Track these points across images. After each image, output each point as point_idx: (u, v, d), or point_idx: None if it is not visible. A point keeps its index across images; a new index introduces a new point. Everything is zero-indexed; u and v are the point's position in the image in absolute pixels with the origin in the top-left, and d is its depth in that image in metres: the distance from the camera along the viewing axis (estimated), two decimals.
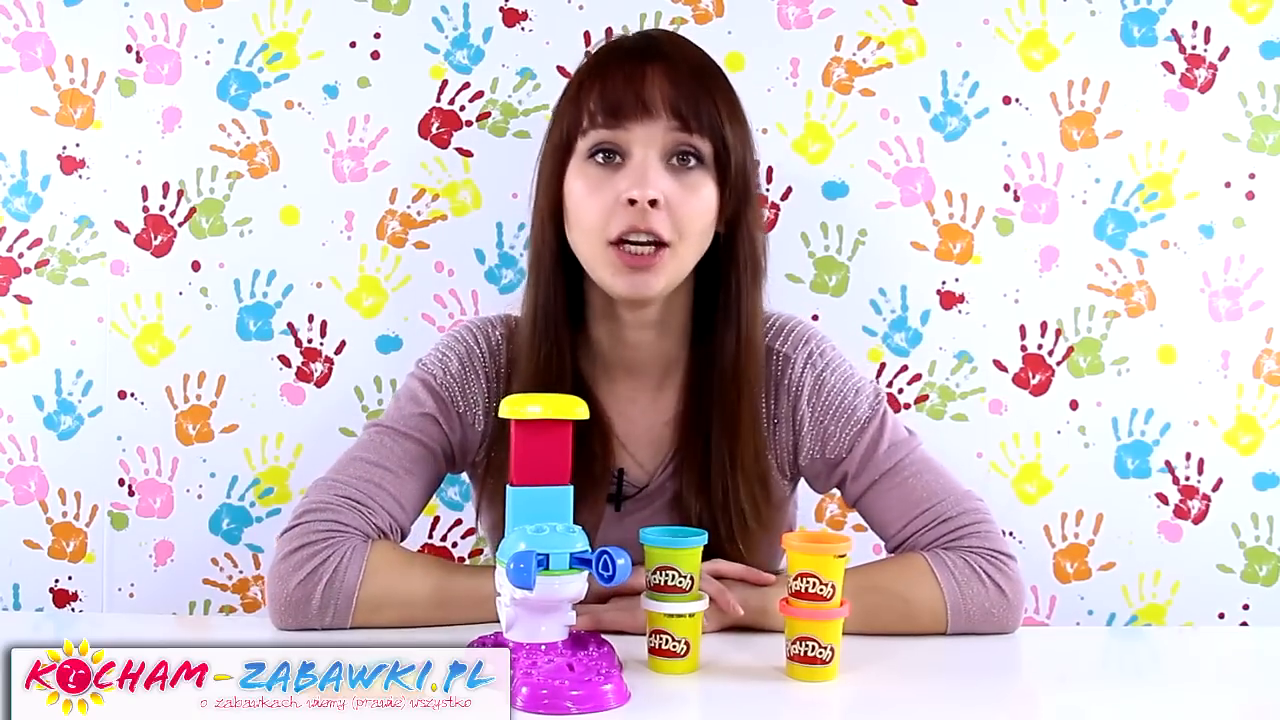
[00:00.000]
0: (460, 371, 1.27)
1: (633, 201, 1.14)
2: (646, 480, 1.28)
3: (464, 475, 1.36)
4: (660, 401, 1.28)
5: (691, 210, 1.16)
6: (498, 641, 1.01)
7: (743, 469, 1.22)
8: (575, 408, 1.02)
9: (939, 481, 1.25)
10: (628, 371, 1.28)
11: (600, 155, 1.17)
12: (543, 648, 0.99)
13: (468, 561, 1.69)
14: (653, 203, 1.14)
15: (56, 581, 1.67)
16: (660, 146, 1.16)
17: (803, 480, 1.34)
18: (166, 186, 1.66)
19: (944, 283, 1.68)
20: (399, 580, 1.16)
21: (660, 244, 1.15)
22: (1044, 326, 1.69)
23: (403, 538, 1.25)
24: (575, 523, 1.10)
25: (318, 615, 1.14)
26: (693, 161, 1.17)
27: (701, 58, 1.22)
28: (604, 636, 1.04)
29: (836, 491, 1.43)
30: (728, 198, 1.19)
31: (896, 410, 1.63)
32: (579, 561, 0.98)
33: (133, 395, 1.67)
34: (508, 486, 1.02)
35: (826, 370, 1.28)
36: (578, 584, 0.98)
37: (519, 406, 1.01)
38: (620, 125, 1.15)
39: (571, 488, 1.03)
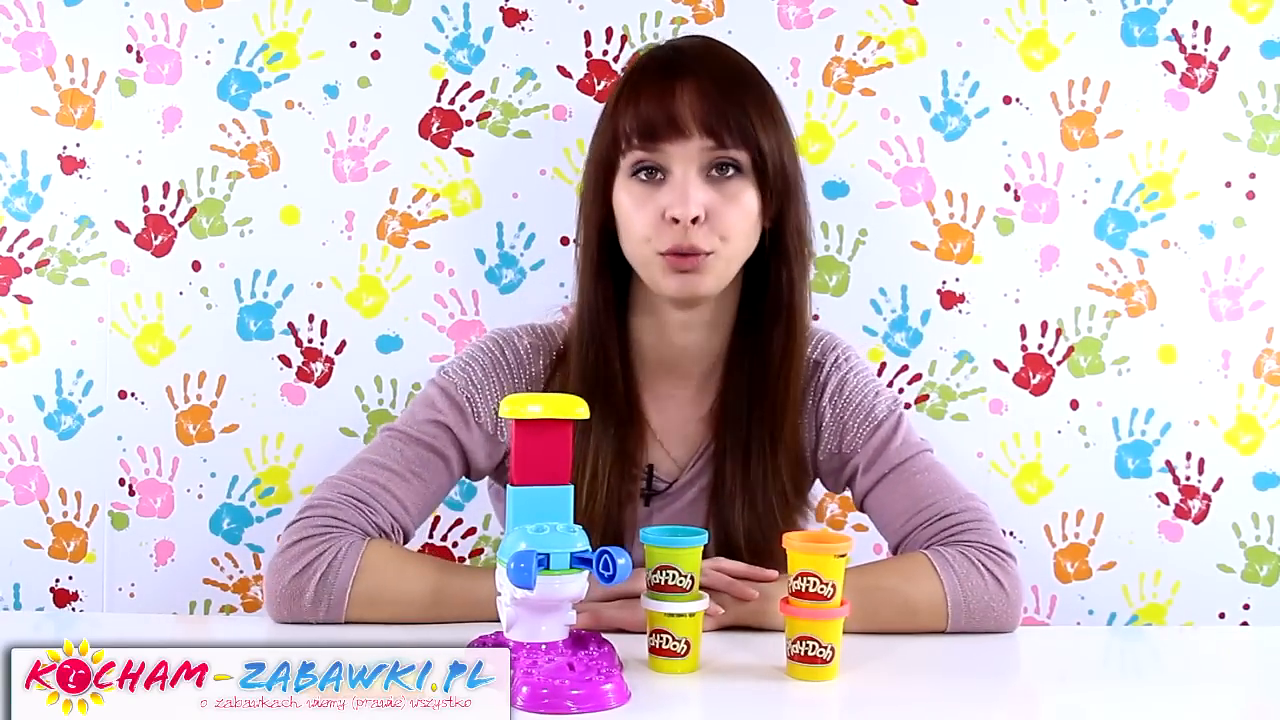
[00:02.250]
0: (483, 380, 1.29)
1: (676, 220, 1.19)
2: (677, 475, 1.31)
3: (485, 480, 1.39)
4: (700, 398, 1.33)
5: (733, 218, 1.21)
6: (498, 641, 1.01)
7: (785, 450, 1.28)
8: (575, 407, 1.02)
9: (944, 481, 1.28)
10: (669, 370, 1.32)
11: (642, 173, 1.22)
12: (543, 647, 0.99)
13: (468, 561, 1.69)
14: (694, 219, 1.19)
15: (57, 581, 1.67)
16: (697, 163, 1.20)
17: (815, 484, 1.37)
18: (167, 186, 1.66)
19: (944, 282, 1.68)
20: (394, 578, 1.18)
21: (705, 253, 1.21)
22: (1044, 326, 1.69)
23: (405, 540, 1.26)
24: (606, 518, 1.13)
25: (311, 609, 1.15)
26: (731, 171, 1.21)
27: (733, 65, 1.26)
28: (604, 636, 1.04)
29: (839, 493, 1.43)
30: (769, 199, 1.24)
31: None
32: (579, 561, 0.98)
33: (133, 395, 1.67)
34: (508, 486, 1.02)
35: (851, 373, 1.33)
36: (578, 583, 0.98)
37: (519, 406, 1.01)
38: (656, 147, 1.20)
39: (571, 487, 1.03)
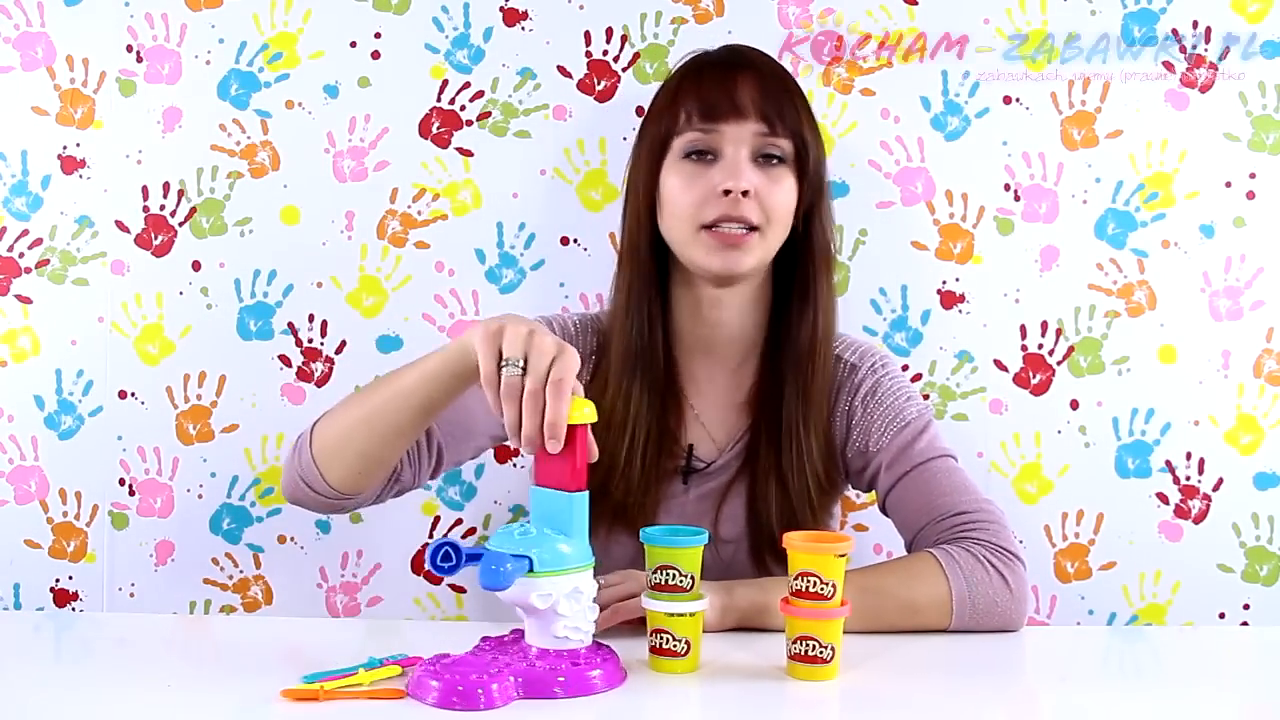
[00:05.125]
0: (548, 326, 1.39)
1: (727, 192, 1.28)
2: (715, 456, 1.36)
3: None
4: (737, 382, 1.39)
5: (777, 200, 1.30)
6: (514, 639, 1.01)
7: (815, 433, 1.33)
8: (582, 409, 1.02)
9: (963, 484, 1.32)
10: (706, 353, 1.39)
11: (694, 154, 1.30)
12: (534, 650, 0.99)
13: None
14: (745, 193, 1.28)
15: (57, 581, 1.67)
16: (749, 145, 1.30)
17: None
18: (167, 186, 1.66)
19: (944, 282, 1.68)
20: (339, 409, 1.26)
21: (751, 228, 1.29)
22: (1044, 326, 1.69)
23: (430, 442, 1.33)
24: (645, 491, 1.26)
25: (290, 467, 1.29)
26: (776, 159, 1.31)
27: (783, 71, 1.38)
28: (601, 641, 1.04)
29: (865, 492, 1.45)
30: (805, 191, 1.33)
31: None
32: (470, 558, 1.00)
33: (133, 395, 1.66)
34: (531, 486, 1.03)
35: (886, 377, 1.39)
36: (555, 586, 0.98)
37: None
38: (714, 126, 1.29)
39: (586, 494, 1.03)
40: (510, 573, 0.95)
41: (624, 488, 1.30)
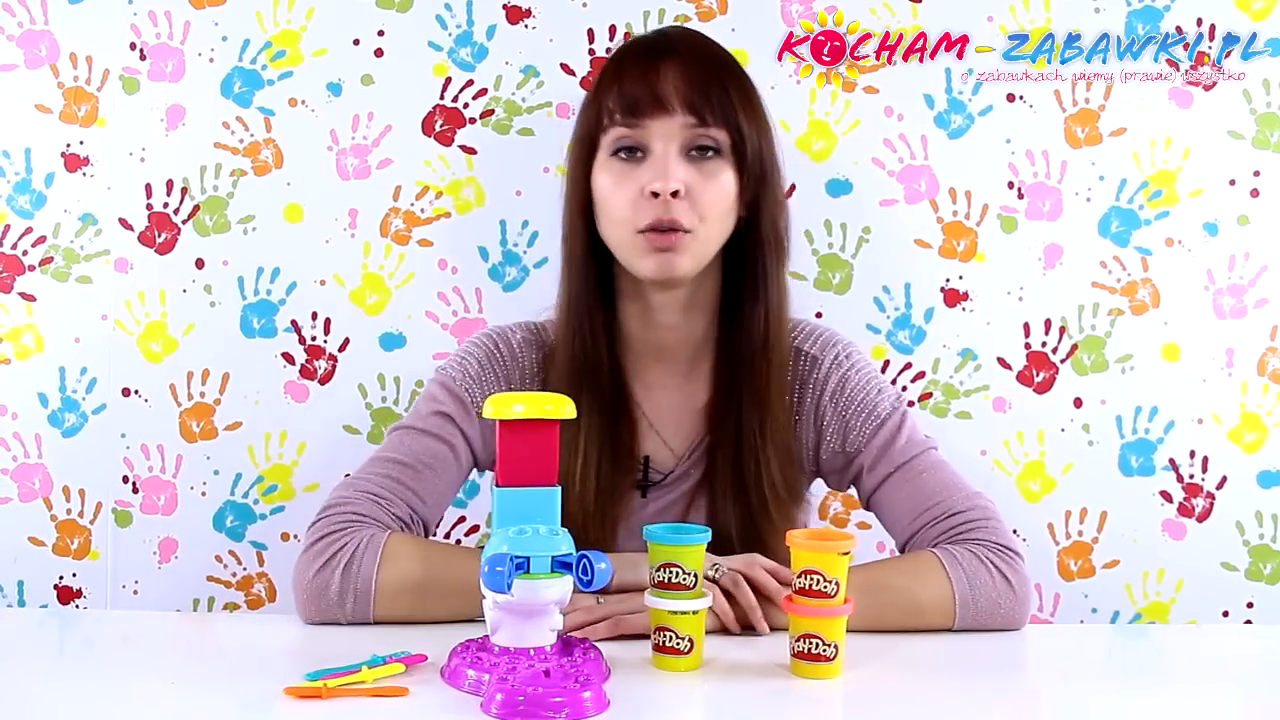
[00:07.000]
0: (479, 373, 1.31)
1: (655, 194, 1.20)
2: (673, 466, 1.31)
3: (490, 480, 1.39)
4: (690, 387, 1.32)
5: (711, 197, 1.22)
6: (483, 646, 1.00)
7: (774, 439, 1.27)
8: (563, 407, 1.01)
9: (951, 479, 1.28)
10: (658, 358, 1.32)
11: (622, 152, 1.23)
12: (530, 652, 0.98)
13: None
14: (674, 194, 1.20)
15: (60, 579, 1.68)
16: (678, 140, 1.21)
17: (818, 482, 1.38)
18: (170, 184, 1.66)
19: (948, 280, 1.68)
20: (417, 565, 1.17)
21: (684, 229, 1.21)
22: (1048, 324, 1.69)
23: (426, 532, 1.28)
24: (603, 509, 1.17)
25: (338, 603, 1.16)
26: (710, 152, 1.22)
27: (715, 51, 1.27)
28: (594, 643, 1.04)
29: (844, 491, 1.43)
30: (746, 183, 1.24)
31: None
32: (560, 565, 0.97)
33: (136, 392, 1.67)
34: (494, 488, 1.01)
35: (851, 370, 1.32)
36: (559, 588, 0.97)
37: (504, 406, 1.00)
38: (638, 122, 1.21)
39: (559, 489, 1.02)
40: (605, 571, 0.95)
41: (580, 507, 1.23)
